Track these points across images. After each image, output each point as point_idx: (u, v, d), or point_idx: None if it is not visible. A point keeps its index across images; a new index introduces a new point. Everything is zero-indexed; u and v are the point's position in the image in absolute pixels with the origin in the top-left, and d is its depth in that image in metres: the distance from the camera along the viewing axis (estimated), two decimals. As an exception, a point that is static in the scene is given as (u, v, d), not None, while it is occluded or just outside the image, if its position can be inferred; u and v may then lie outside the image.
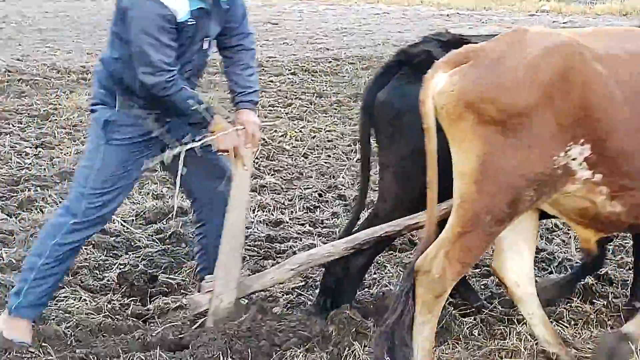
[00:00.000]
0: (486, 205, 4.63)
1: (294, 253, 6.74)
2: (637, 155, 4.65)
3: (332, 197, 8.44)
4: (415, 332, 4.79)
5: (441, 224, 4.91)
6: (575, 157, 4.61)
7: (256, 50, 6.20)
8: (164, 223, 7.69)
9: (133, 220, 7.79)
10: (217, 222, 5.80)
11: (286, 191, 8.53)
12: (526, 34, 4.79)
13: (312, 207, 8.13)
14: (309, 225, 7.57)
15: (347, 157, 9.84)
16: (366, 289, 6.48)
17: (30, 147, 10.19)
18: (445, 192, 4.91)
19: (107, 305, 5.95)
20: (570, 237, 7.37)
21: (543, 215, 5.29)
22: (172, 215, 7.57)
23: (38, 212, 7.91)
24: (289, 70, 15.57)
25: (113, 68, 5.59)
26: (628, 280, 6.54)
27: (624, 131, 4.62)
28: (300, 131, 10.88)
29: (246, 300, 5.81)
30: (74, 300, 6.07)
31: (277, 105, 12.51)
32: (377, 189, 6.31)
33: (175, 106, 5.48)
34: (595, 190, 4.72)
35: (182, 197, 6.85)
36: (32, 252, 5.76)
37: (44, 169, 9.23)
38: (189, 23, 5.38)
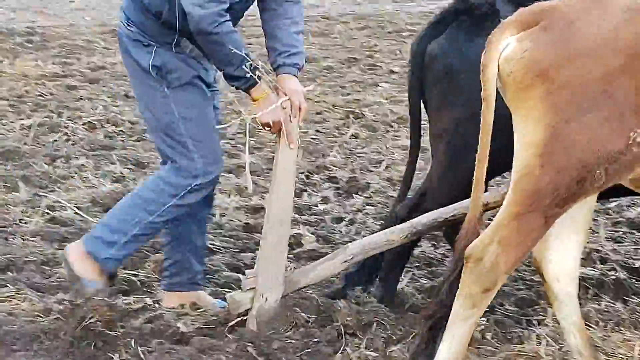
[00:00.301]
0: (550, 181, 4.58)
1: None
2: None
3: (321, 179, 8.33)
4: (452, 327, 4.77)
5: None
6: None
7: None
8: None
9: (88, 206, 7.55)
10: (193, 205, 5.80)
11: (267, 173, 8.30)
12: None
13: (297, 191, 7.70)
14: (295, 212, 7.09)
15: (338, 132, 9.68)
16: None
17: (-34, 123, 9.78)
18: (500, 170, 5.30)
19: (57, 307, 5.79)
20: (599, 224, 7.39)
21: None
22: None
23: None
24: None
25: (149, 2, 5.50)
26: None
27: None
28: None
29: None
30: (19, 300, 5.95)
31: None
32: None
33: (222, 52, 5.33)
34: None
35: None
36: (137, 208, 5.82)
37: (-17, 148, 8.83)
38: None
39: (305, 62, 11.78)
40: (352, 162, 8.71)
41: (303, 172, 8.48)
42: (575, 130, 4.51)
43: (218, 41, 5.29)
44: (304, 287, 5.71)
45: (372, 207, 7.74)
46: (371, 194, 8.00)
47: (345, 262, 5.57)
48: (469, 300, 4.71)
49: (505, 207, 4.70)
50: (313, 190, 8.08)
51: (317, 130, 9.78)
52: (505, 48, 4.62)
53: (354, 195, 7.96)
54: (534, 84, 4.53)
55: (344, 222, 7.38)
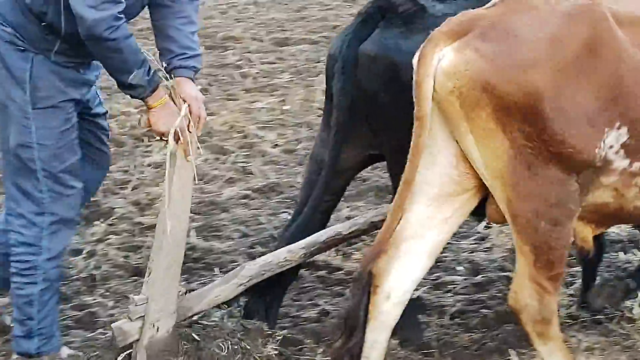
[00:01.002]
0: (535, 209, 4.87)
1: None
2: None
3: None
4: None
5: None
6: (612, 144, 4.88)
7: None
8: None
9: None
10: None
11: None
12: (519, 2, 5.00)
13: None
14: None
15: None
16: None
17: None
18: None
19: None
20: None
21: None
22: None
23: None
24: None
25: (31, 2, 5.39)
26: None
27: None
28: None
29: None
30: None
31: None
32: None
33: (118, 58, 5.30)
34: (631, 183, 5.05)
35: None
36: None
37: None
38: None
39: None
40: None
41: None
42: (543, 153, 4.78)
43: (114, 47, 5.25)
44: (198, 313, 5.82)
45: (116, 237, 7.67)
46: (115, 220, 7.89)
47: (241, 285, 5.75)
48: (541, 339, 5.11)
49: (518, 249, 5.07)
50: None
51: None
52: (442, 60, 4.77)
53: (95, 223, 7.83)
54: (481, 102, 4.74)
55: (82, 254, 7.28)
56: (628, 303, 6.69)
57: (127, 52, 5.24)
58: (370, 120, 6.10)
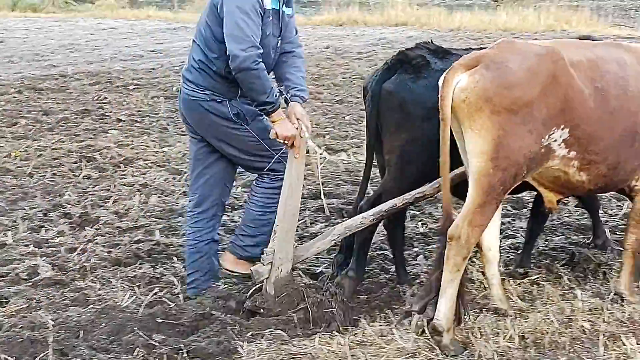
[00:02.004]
0: (500, 178, 5.47)
1: (17, 275, 6.51)
2: (599, 137, 5.72)
3: (58, 215, 7.98)
4: (445, 288, 5.48)
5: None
6: (558, 140, 5.61)
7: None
8: None
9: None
10: None
11: (10, 212, 8.00)
12: (515, 43, 5.89)
13: (36, 227, 7.66)
14: (33, 246, 7.11)
15: (73, 175, 9.34)
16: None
17: None
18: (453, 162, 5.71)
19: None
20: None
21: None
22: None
23: None
24: (14, 88, 14.71)
25: (216, 67, 5.98)
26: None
27: (590, 119, 5.67)
28: (26, 150, 10.30)
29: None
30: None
31: (1, 125, 11.80)
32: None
33: (256, 85, 5.80)
34: (569, 164, 5.75)
35: None
36: (269, 212, 6.30)
37: None
38: (271, 12, 5.95)
39: (44, 114, 11.53)
40: (84, 199, 8.44)
41: (41, 211, 8.15)
42: (512, 140, 5.43)
43: (257, 75, 5.75)
44: (307, 258, 6.49)
45: (102, 237, 7.48)
46: (101, 226, 7.73)
47: (332, 240, 6.26)
48: (455, 267, 5.48)
49: (471, 200, 5.51)
50: (50, 226, 7.71)
51: (54, 174, 9.45)
52: (458, 82, 5.43)
53: (85, 228, 7.66)
54: (483, 107, 5.37)
55: (76, 251, 7.07)
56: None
57: (264, 79, 5.81)
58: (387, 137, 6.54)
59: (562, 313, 5.91)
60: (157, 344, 5.29)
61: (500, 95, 5.41)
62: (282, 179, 6.02)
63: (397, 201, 6.25)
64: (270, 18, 5.98)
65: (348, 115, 12.80)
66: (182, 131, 11.56)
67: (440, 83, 5.51)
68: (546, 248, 7.35)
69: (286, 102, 6.07)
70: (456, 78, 5.48)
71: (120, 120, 12.32)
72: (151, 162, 9.91)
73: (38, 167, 9.69)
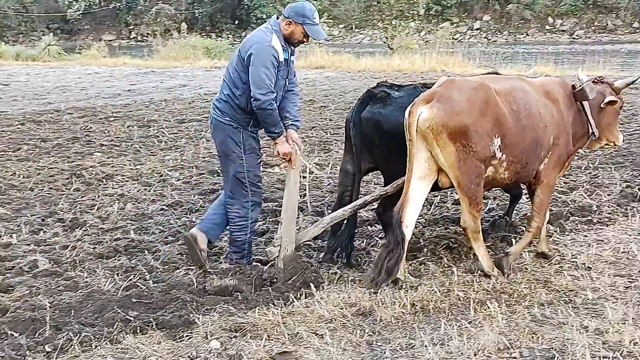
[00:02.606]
0: (469, 179, 6.02)
1: (20, 268, 6.54)
2: (517, 144, 6.19)
3: (53, 220, 7.99)
4: (479, 250, 6.29)
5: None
6: (496, 147, 6.08)
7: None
8: None
9: None
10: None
11: (15, 219, 8.01)
12: (456, 81, 6.33)
13: (36, 230, 7.67)
14: (34, 245, 7.14)
15: (65, 188, 9.30)
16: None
17: None
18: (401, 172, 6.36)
19: None
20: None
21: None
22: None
23: None
24: (18, 121, 14.57)
25: (239, 102, 6.34)
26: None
27: (511, 131, 6.13)
28: (27, 170, 10.21)
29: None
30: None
31: (8, 150, 11.69)
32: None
33: (269, 119, 6.25)
34: (499, 165, 6.22)
35: None
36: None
37: None
38: (283, 62, 6.31)
39: (42, 141, 11.43)
40: (74, 207, 8.45)
41: (40, 217, 8.16)
42: (468, 152, 5.94)
43: (271, 113, 6.23)
44: (306, 241, 6.87)
45: (88, 237, 7.51)
46: (87, 228, 7.75)
47: (323, 227, 6.75)
48: (478, 240, 6.28)
49: (462, 200, 6.21)
50: (47, 229, 7.73)
51: (50, 187, 9.42)
52: (421, 112, 5.91)
53: (75, 229, 7.67)
54: (441, 132, 5.88)
55: (68, 248, 7.10)
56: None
57: (275, 116, 6.28)
58: (371, 150, 6.85)
59: (442, 285, 6.13)
60: (132, 318, 5.40)
61: (452, 121, 5.87)
62: (241, 207, 6.60)
63: (368, 197, 6.86)
64: (283, 67, 6.33)
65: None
66: (152, 152, 11.63)
67: (406, 114, 5.99)
68: (431, 236, 7.49)
69: (285, 128, 6.48)
70: (418, 110, 5.92)
71: (102, 144, 12.28)
72: (127, 177, 9.93)
73: (37, 182, 9.66)
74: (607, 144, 7.32)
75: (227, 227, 6.80)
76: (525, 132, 6.24)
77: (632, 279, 6.23)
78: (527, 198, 7.44)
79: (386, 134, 6.62)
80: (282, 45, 6.27)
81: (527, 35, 58.44)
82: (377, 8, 47.99)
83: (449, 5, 60.23)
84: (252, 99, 6.16)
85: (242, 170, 6.46)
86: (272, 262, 6.42)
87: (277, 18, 6.38)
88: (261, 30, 6.36)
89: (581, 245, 7.18)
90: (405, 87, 7.03)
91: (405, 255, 6.15)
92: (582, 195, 8.95)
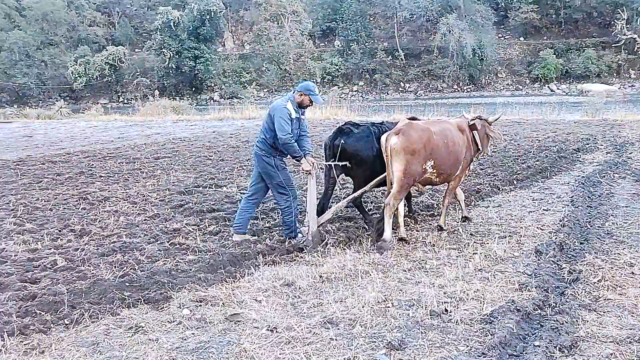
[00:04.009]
0: (406, 181, 6.49)
1: (45, 265, 6.20)
2: (445, 163, 6.77)
3: (67, 231, 7.58)
4: (387, 222, 6.48)
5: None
6: (429, 166, 6.64)
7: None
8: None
9: None
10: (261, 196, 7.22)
11: (40, 231, 7.65)
12: (413, 125, 6.66)
13: (55, 238, 7.25)
14: (54, 249, 6.78)
15: (75, 208, 8.98)
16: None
17: None
18: (373, 175, 6.99)
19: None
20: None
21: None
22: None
23: None
24: (40, 162, 13.80)
25: (270, 141, 6.80)
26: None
27: (442, 156, 6.71)
28: (47, 196, 9.93)
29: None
30: None
31: (33, 182, 11.17)
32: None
33: (291, 150, 6.68)
34: (433, 174, 6.76)
35: None
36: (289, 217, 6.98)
37: None
38: (294, 119, 6.75)
39: (59, 175, 10.66)
40: (82, 221, 8.16)
41: (57, 229, 7.77)
42: (411, 165, 6.48)
43: (292, 146, 6.67)
44: (323, 223, 7.02)
45: (93, 241, 7.16)
46: (92, 235, 7.42)
47: (332, 214, 7.16)
48: (392, 214, 6.52)
49: (395, 189, 6.48)
50: (63, 237, 7.39)
51: (64, 207, 9.03)
52: (392, 140, 6.49)
53: (83, 237, 7.37)
54: (401, 152, 6.44)
55: (78, 250, 6.79)
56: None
57: (295, 147, 6.69)
58: (343, 166, 7.11)
59: (340, 262, 6.11)
60: (126, 297, 5.24)
61: (408, 147, 6.43)
62: (286, 201, 6.92)
63: (356, 194, 7.17)
64: (294, 121, 6.76)
65: (234, 164, 12.70)
66: (136, 180, 11.28)
67: (383, 140, 6.64)
68: (333, 229, 7.36)
69: (304, 155, 6.81)
70: (390, 139, 6.51)
71: (101, 176, 11.85)
72: (120, 198, 9.58)
73: (55, 205, 9.20)
74: (482, 155, 8.29)
75: (280, 218, 7.47)
76: (450, 155, 6.87)
77: (461, 251, 6.40)
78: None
79: (349, 155, 7.00)
80: (295, 109, 6.78)
81: (388, 94, 59.63)
82: (289, 77, 48.57)
83: (336, 75, 61.03)
84: (278, 139, 6.67)
85: (278, 178, 6.88)
86: (304, 236, 6.78)
87: (293, 92, 6.89)
88: (281, 99, 6.93)
89: (427, 230, 7.31)
90: (362, 126, 7.25)
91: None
92: (428, 196, 9.16)
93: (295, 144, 6.71)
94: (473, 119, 7.55)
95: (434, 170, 6.73)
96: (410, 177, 6.52)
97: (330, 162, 7.05)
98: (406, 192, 6.70)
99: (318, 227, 6.86)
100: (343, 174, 7.35)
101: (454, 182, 7.32)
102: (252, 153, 7.13)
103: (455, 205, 8.33)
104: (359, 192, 7.18)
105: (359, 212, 7.67)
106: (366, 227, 7.34)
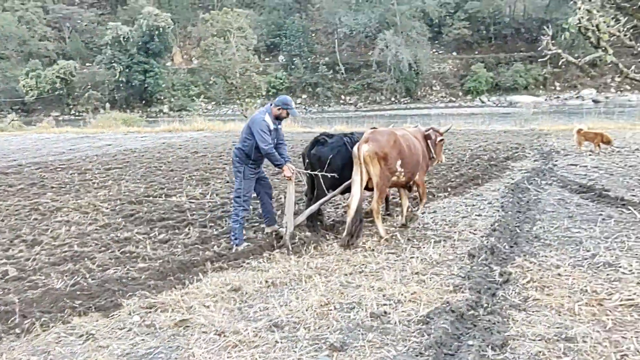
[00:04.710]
0: (384, 183, 6.77)
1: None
2: (409, 163, 7.04)
3: (18, 241, 7.31)
4: (378, 227, 6.99)
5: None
6: (398, 165, 6.87)
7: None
8: None
9: None
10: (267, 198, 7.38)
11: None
12: (378, 131, 6.91)
13: (6, 248, 7.00)
14: (5, 259, 6.54)
15: (27, 218, 8.66)
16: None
17: None
18: (342, 181, 7.17)
19: None
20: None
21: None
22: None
23: None
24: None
25: (246, 150, 6.93)
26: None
27: (407, 157, 6.98)
28: (-3, 207, 9.57)
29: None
30: None
31: None
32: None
33: (272, 158, 6.81)
34: (402, 175, 7.00)
35: None
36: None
37: None
38: (272, 130, 6.88)
39: (11, 187, 10.26)
40: (34, 231, 7.86)
41: (9, 239, 7.45)
42: (387, 169, 6.75)
43: (273, 155, 6.81)
44: (298, 224, 7.14)
45: (44, 251, 6.93)
46: (44, 245, 7.18)
47: (306, 216, 7.20)
48: (378, 217, 6.96)
49: (375, 192, 6.79)
50: (14, 247, 7.10)
51: (16, 218, 8.70)
52: (364, 147, 6.69)
53: (35, 247, 7.14)
54: (373, 157, 6.68)
55: (30, 260, 6.56)
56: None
57: (276, 156, 6.83)
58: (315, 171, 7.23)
59: (284, 267, 6.10)
60: (77, 305, 5.10)
61: (379, 152, 6.67)
62: (236, 209, 7.00)
63: (326, 198, 7.27)
64: (272, 131, 6.89)
65: (183, 174, 12.50)
66: (88, 191, 10.97)
67: (355, 149, 6.79)
68: (277, 237, 7.30)
69: (285, 162, 6.96)
70: (362, 146, 6.71)
71: (53, 187, 11.48)
72: (71, 209, 9.30)
73: (7, 215, 8.89)
74: (438, 163, 8.63)
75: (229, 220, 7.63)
76: (412, 158, 7.11)
77: (399, 255, 6.42)
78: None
79: (322, 163, 7.21)
80: (272, 121, 6.90)
81: (329, 107, 60.06)
82: (235, 91, 48.23)
83: (280, 89, 60.99)
84: (255, 151, 6.89)
85: (241, 183, 6.98)
86: (282, 236, 6.98)
87: (271, 105, 7.01)
88: (259, 112, 6.97)
89: (366, 235, 7.30)
90: (335, 136, 7.48)
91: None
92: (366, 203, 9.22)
93: (276, 153, 6.85)
94: (427, 130, 7.90)
95: (402, 170, 6.94)
96: (386, 179, 6.78)
97: (317, 172, 7.16)
98: (385, 194, 7.23)
99: (295, 227, 7.04)
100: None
101: (418, 183, 7.55)
102: (232, 159, 7.29)
103: (394, 212, 8.43)
104: (328, 196, 7.26)
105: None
106: (311, 229, 7.44)
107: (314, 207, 7.24)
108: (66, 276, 5.93)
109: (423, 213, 8.03)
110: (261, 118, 6.81)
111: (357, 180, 6.71)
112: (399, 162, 6.85)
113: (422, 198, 7.82)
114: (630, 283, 5.25)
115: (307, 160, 7.41)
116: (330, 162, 7.17)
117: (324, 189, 7.19)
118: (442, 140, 7.98)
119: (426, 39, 61.29)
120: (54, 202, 9.90)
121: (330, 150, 7.24)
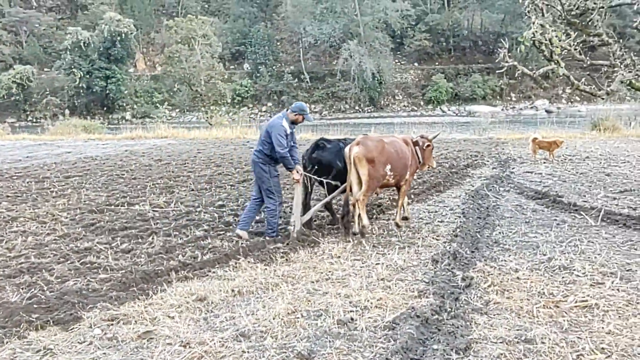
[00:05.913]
0: (373, 183, 7.24)
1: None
2: (398, 167, 7.52)
3: None
4: (362, 216, 7.31)
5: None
6: (388, 169, 7.36)
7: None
8: None
9: None
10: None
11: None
12: (368, 137, 7.39)
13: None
14: None
15: None
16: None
17: None
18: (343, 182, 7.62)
19: None
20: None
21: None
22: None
23: None
24: None
25: (266, 152, 7.46)
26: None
27: (395, 162, 7.46)
28: None
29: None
30: None
31: None
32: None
33: (286, 161, 7.35)
34: (391, 176, 7.45)
35: None
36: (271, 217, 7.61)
37: None
38: (289, 134, 7.44)
39: None
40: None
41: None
42: (376, 170, 7.21)
43: (285, 159, 7.36)
44: (305, 220, 7.66)
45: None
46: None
47: (311, 213, 7.77)
48: (363, 209, 7.28)
49: (364, 188, 7.19)
50: None
51: None
52: (354, 149, 7.19)
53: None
54: (362, 159, 7.16)
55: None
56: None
57: (289, 160, 7.38)
58: (315, 174, 7.88)
59: (251, 276, 6.00)
60: (34, 319, 4.87)
61: (367, 155, 7.15)
62: (273, 204, 7.55)
63: (327, 199, 8.00)
64: (289, 135, 7.47)
65: (146, 182, 12.25)
66: (46, 200, 10.64)
67: (346, 151, 7.32)
68: (248, 245, 7.19)
69: (295, 163, 7.57)
70: (353, 148, 7.21)
71: (8, 196, 11.08)
72: (28, 218, 8.98)
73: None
74: (428, 168, 8.82)
75: (265, 217, 7.96)
76: (400, 161, 7.56)
77: (364, 262, 6.44)
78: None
79: (322, 165, 7.82)
80: (289, 125, 7.47)
81: (294, 114, 59.97)
82: (200, 98, 47.87)
83: (246, 96, 60.82)
84: (276, 152, 7.33)
85: (269, 183, 7.51)
86: (289, 234, 7.48)
87: (287, 111, 7.59)
88: (278, 118, 7.54)
89: (333, 242, 7.32)
90: (333, 141, 8.05)
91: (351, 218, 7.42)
92: (336, 205, 9.20)
93: (289, 157, 7.40)
94: (417, 137, 8.47)
95: (391, 173, 7.43)
96: (374, 179, 7.24)
97: (322, 179, 7.85)
98: (373, 191, 7.55)
99: (302, 223, 7.60)
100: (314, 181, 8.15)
101: (405, 186, 7.93)
102: (250, 161, 7.83)
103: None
104: (330, 197, 7.99)
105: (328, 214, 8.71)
106: (333, 224, 8.21)
107: (317, 207, 7.98)
108: (22, 289, 5.69)
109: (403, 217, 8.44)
110: (279, 123, 7.42)
111: (351, 180, 7.36)
112: (388, 167, 7.37)
113: (399, 201, 8.16)
114: (584, 285, 5.45)
115: (306, 163, 7.96)
116: (329, 165, 7.83)
117: (326, 192, 8.03)
118: (429, 146, 8.46)
119: (389, 50, 62.10)
120: (9, 211, 9.55)
121: (330, 153, 7.86)
